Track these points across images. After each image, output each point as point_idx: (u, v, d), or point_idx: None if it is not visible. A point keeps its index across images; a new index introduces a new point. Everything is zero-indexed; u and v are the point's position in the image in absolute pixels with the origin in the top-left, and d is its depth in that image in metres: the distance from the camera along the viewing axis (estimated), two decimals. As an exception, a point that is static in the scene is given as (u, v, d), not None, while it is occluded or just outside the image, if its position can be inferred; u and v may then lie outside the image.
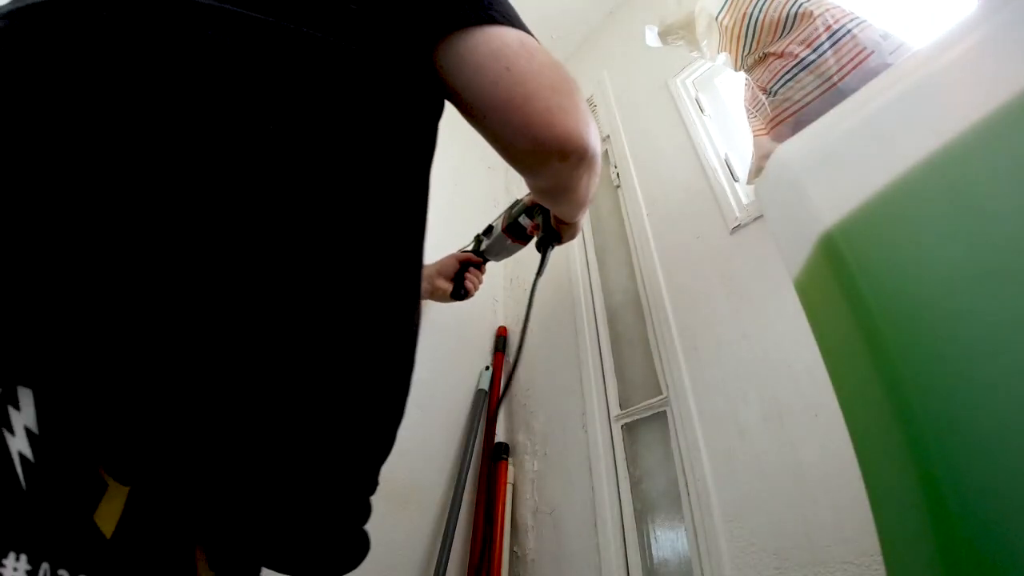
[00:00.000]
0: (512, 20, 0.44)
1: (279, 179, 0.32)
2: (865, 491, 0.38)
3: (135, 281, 0.25)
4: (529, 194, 0.91)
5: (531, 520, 1.03)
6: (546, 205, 0.80)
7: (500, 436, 1.13)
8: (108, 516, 0.24)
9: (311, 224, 0.33)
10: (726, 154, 1.06)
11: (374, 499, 0.38)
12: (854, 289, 0.37)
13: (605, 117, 1.42)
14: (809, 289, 0.44)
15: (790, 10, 0.78)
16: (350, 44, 0.38)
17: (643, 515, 0.87)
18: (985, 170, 0.34)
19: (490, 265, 1.05)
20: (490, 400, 1.14)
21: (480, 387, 1.16)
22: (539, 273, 0.91)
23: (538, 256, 0.94)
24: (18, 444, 0.22)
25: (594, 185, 0.58)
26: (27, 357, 0.23)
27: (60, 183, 0.25)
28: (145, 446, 0.26)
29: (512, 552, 0.99)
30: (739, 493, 0.74)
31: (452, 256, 0.98)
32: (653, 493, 0.88)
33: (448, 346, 1.15)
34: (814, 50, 0.73)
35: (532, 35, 0.45)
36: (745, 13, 0.83)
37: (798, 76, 0.75)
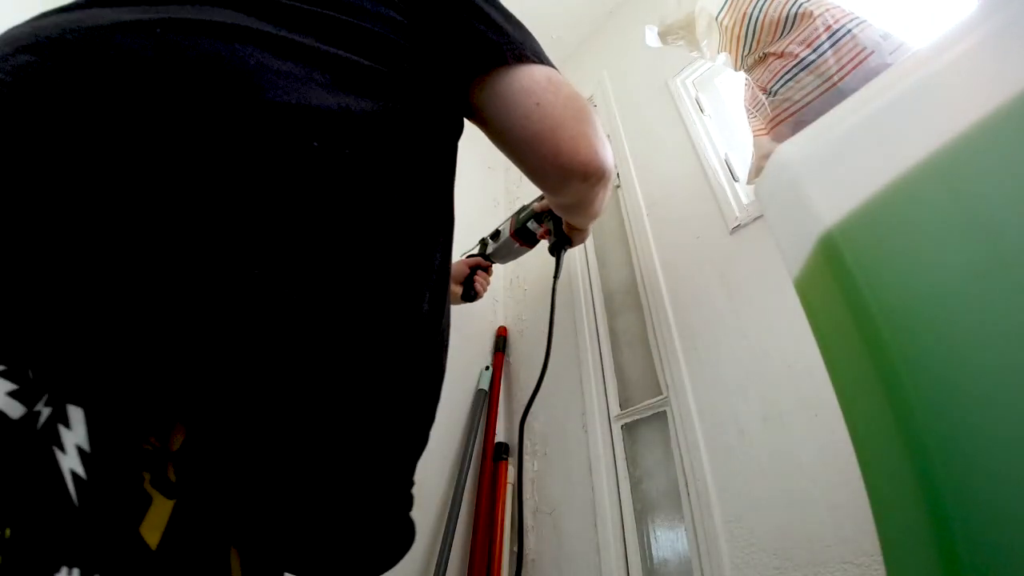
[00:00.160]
0: (540, 57, 0.49)
1: (335, 198, 0.34)
2: (865, 491, 0.38)
3: (182, 304, 0.26)
4: (535, 201, 0.98)
5: (531, 520, 1.03)
6: (564, 217, 0.85)
7: (500, 436, 1.13)
8: (153, 528, 0.25)
9: (358, 240, 0.34)
10: (726, 154, 1.06)
11: None
12: (854, 289, 0.37)
13: (605, 117, 1.42)
14: (809, 289, 0.44)
15: (790, 10, 0.78)
16: (400, 75, 0.42)
17: (643, 515, 0.87)
18: (985, 170, 0.34)
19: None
20: (491, 400, 1.14)
21: (480, 387, 1.16)
22: (556, 276, 0.96)
23: (537, 256, 1.00)
24: (70, 462, 0.23)
25: (607, 198, 0.65)
26: (77, 377, 0.24)
27: (116, 212, 0.26)
28: (195, 461, 0.27)
29: (512, 552, 0.99)
30: (739, 493, 0.74)
31: (462, 261, 1.04)
32: (653, 493, 0.88)
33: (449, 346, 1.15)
34: (814, 50, 0.73)
35: (555, 68, 0.50)
36: (745, 13, 0.83)
37: (798, 76, 0.75)
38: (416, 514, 0.39)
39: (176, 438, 0.28)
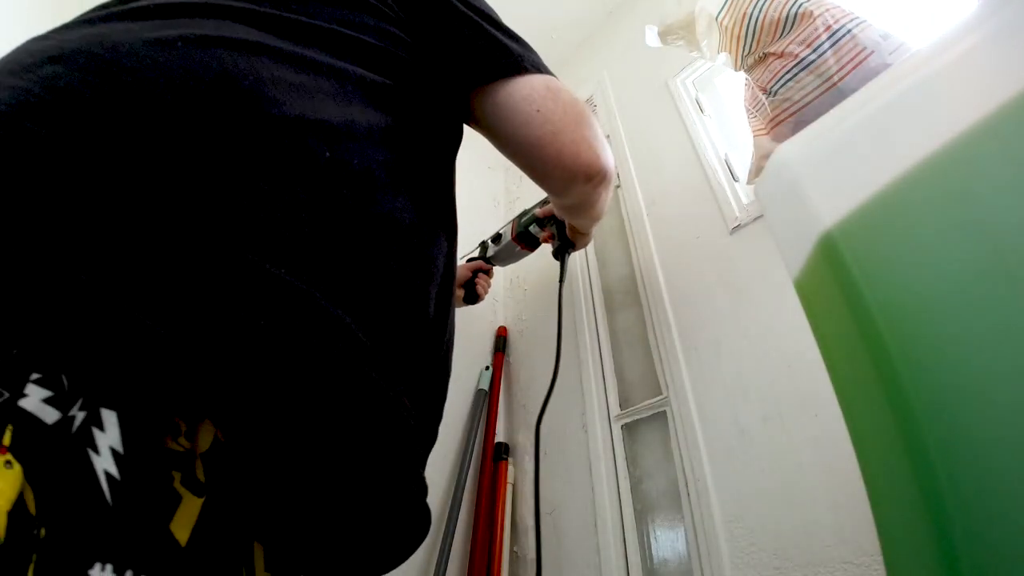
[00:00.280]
0: (539, 66, 0.51)
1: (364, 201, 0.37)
2: (865, 491, 0.38)
3: (206, 311, 0.27)
4: (536, 205, 1.00)
5: (531, 520, 1.03)
6: (568, 219, 0.88)
7: (500, 436, 1.13)
8: (183, 525, 0.26)
9: (368, 247, 0.36)
10: (726, 154, 1.06)
11: None
12: (853, 289, 0.37)
13: (605, 117, 1.42)
14: (809, 289, 0.44)
15: (790, 10, 0.78)
16: (404, 88, 0.44)
17: (643, 515, 0.87)
18: (985, 170, 0.34)
19: (490, 267, 1.09)
20: (490, 400, 1.14)
21: (480, 387, 1.16)
22: (561, 280, 0.97)
23: (537, 256, 1.01)
24: (104, 463, 0.24)
25: (609, 199, 0.67)
26: (110, 383, 0.25)
27: (146, 222, 0.27)
28: (222, 460, 0.29)
29: (512, 552, 0.99)
30: (739, 493, 0.74)
31: (463, 265, 1.06)
32: (653, 493, 0.88)
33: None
34: (814, 50, 0.73)
35: (555, 75, 0.52)
36: (745, 13, 0.83)
37: (798, 76, 0.75)
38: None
39: (204, 439, 0.29)
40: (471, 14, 0.49)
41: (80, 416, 0.24)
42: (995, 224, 0.32)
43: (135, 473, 0.25)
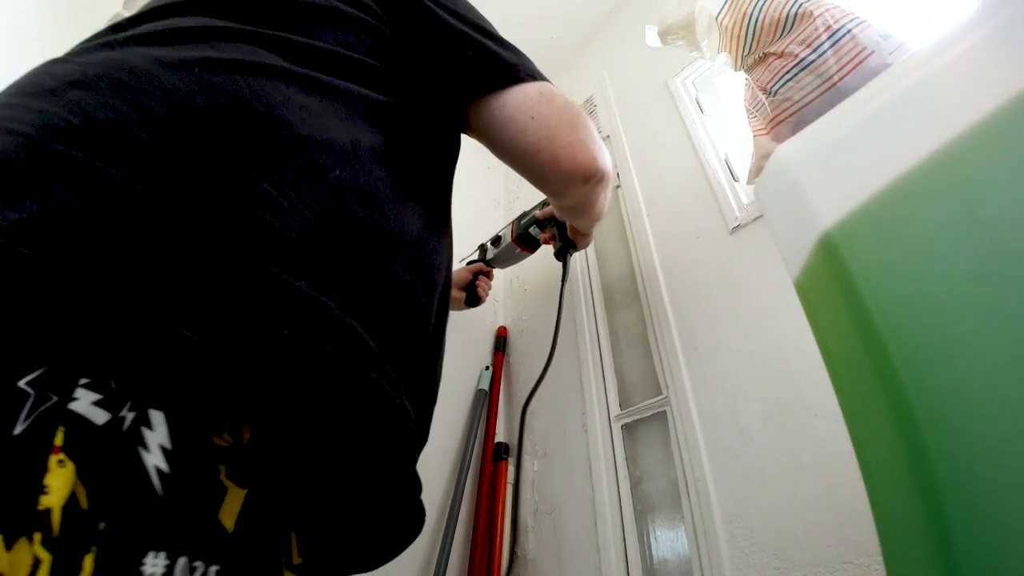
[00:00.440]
0: (532, 73, 0.52)
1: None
2: (865, 491, 0.38)
3: (236, 321, 0.29)
4: (536, 207, 1.01)
5: (531, 520, 1.03)
6: (569, 220, 0.89)
7: (500, 436, 1.13)
8: (229, 514, 0.28)
9: (376, 259, 0.38)
10: (726, 154, 1.06)
11: None
12: (853, 289, 0.37)
13: (605, 117, 1.42)
14: (809, 289, 0.44)
15: (790, 10, 0.78)
16: (404, 105, 0.46)
17: (643, 515, 0.87)
18: (985, 170, 0.34)
19: (490, 267, 1.10)
20: (490, 400, 1.14)
21: (480, 387, 1.16)
22: (564, 280, 0.99)
23: (536, 256, 1.03)
24: (154, 459, 0.26)
25: (608, 199, 0.68)
26: (157, 385, 0.27)
27: (183, 239, 0.29)
28: (263, 457, 0.31)
29: (512, 552, 0.99)
30: (739, 493, 0.74)
31: (464, 268, 1.08)
32: (653, 493, 0.88)
33: (448, 346, 1.15)
34: (814, 50, 0.73)
35: (547, 80, 0.54)
36: (745, 13, 0.83)
37: (798, 76, 0.75)
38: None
39: (246, 435, 0.31)
40: (463, 27, 0.51)
41: (130, 416, 0.26)
42: (995, 224, 0.32)
43: (183, 467, 0.27)
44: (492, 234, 1.12)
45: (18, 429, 0.23)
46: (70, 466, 0.23)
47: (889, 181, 0.37)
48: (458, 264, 1.12)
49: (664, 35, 0.97)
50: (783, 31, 0.79)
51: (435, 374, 0.48)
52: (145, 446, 0.26)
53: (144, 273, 0.27)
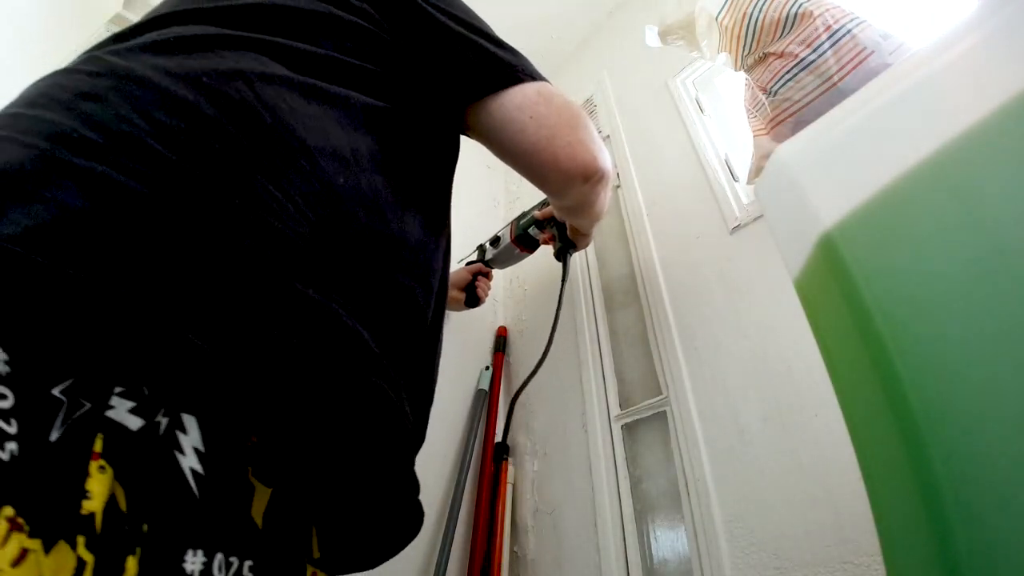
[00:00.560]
0: (530, 73, 0.52)
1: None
2: (865, 491, 0.38)
3: (256, 329, 0.30)
4: (535, 208, 1.01)
5: (531, 520, 1.03)
6: (568, 220, 0.90)
7: (500, 436, 1.13)
8: (258, 512, 0.30)
9: (378, 263, 0.39)
10: (726, 154, 1.06)
11: None
12: (853, 289, 0.37)
13: (605, 117, 1.42)
14: (809, 289, 0.44)
15: (790, 10, 0.78)
16: (403, 109, 0.47)
17: (643, 515, 0.87)
18: (985, 170, 0.34)
19: (490, 267, 1.10)
20: (491, 400, 1.14)
21: (480, 387, 1.16)
22: (564, 280, 0.98)
23: (536, 256, 1.03)
24: (189, 462, 0.27)
25: (608, 198, 0.69)
26: (188, 391, 0.28)
27: (205, 251, 0.30)
28: (287, 457, 0.33)
29: (512, 552, 0.99)
30: (739, 493, 0.74)
31: (463, 268, 1.08)
32: (653, 493, 0.88)
33: (448, 346, 1.15)
34: (814, 50, 0.73)
35: (546, 80, 0.54)
36: (745, 13, 0.83)
37: (798, 76, 0.75)
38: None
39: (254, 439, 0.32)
40: (460, 29, 0.51)
41: (164, 422, 0.27)
42: (995, 224, 0.32)
43: (217, 468, 0.28)
44: (491, 234, 1.12)
45: (54, 436, 0.24)
46: (109, 471, 0.24)
47: (889, 181, 0.37)
48: (457, 264, 1.12)
49: (664, 35, 0.97)
50: (783, 31, 0.79)
51: (432, 376, 0.48)
52: (180, 449, 0.27)
53: (158, 281, 0.27)
